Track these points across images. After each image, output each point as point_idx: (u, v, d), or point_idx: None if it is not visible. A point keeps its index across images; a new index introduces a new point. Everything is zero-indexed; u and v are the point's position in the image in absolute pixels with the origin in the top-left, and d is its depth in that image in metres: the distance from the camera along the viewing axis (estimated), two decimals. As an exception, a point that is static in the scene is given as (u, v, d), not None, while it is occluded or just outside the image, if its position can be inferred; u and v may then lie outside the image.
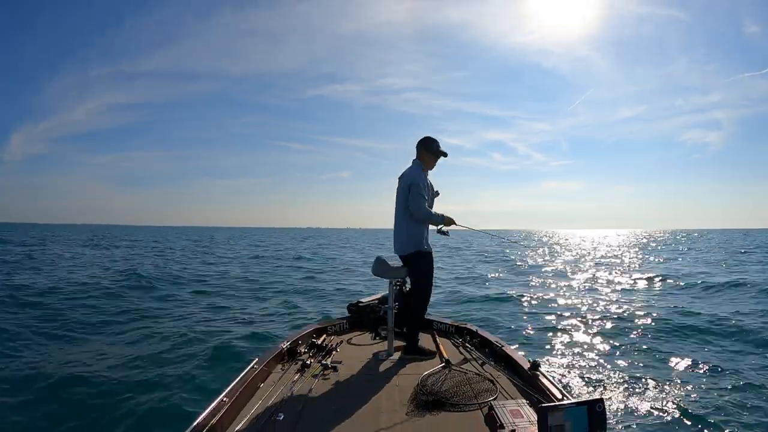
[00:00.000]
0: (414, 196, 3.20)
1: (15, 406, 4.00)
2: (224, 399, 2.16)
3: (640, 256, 25.57)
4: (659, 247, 36.63)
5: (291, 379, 2.67)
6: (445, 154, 3.40)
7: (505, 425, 2.02)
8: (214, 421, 1.98)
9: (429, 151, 3.35)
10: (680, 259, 23.10)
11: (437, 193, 3.49)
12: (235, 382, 2.38)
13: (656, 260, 22.69)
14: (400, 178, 3.38)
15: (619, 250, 33.21)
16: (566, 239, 56.62)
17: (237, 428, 2.07)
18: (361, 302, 4.19)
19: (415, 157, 3.40)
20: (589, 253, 28.65)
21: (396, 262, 3.35)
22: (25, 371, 4.84)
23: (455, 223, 3.35)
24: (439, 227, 3.35)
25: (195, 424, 1.91)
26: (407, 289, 3.54)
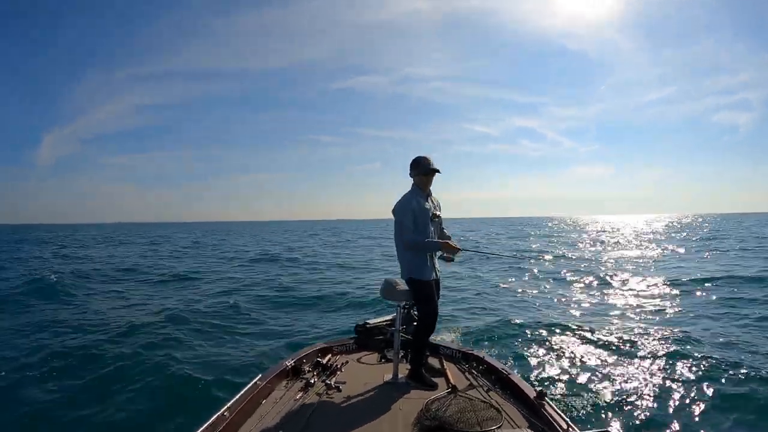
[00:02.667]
0: (396, 226, 3.21)
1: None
2: (224, 413, 2.17)
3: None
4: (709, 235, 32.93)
5: (293, 397, 2.66)
6: (437, 171, 3.25)
7: (508, 454, 1.98)
8: None
9: (420, 172, 3.23)
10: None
11: (437, 216, 3.33)
12: (237, 398, 2.38)
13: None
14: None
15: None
16: (613, 229, 50.80)
17: None
18: (369, 323, 4.17)
19: (413, 183, 3.30)
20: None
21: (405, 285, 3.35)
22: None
23: (453, 247, 3.17)
24: (441, 254, 3.29)
25: None
26: (415, 313, 3.52)
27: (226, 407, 2.23)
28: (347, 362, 3.52)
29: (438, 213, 3.37)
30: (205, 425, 2.02)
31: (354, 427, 2.35)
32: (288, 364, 3.08)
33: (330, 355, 3.61)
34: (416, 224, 3.17)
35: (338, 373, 3.19)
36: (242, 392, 2.46)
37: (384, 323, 4.19)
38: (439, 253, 3.32)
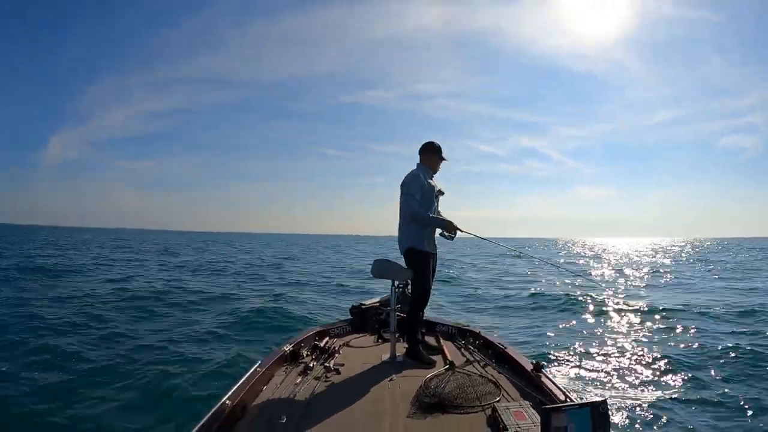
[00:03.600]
0: (403, 195, 3.33)
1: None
2: (227, 402, 2.17)
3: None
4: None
5: (293, 382, 2.67)
6: (444, 159, 3.51)
7: (508, 427, 2.01)
8: (217, 424, 1.98)
9: (435, 153, 3.47)
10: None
11: (441, 193, 3.51)
12: (237, 385, 2.38)
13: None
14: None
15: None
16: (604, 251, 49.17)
17: (240, 431, 2.07)
18: (364, 304, 4.19)
19: (418, 161, 3.49)
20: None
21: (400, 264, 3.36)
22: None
23: (459, 229, 3.31)
24: (441, 231, 3.37)
25: (198, 426, 1.92)
26: (410, 291, 3.53)
27: (227, 396, 2.23)
28: (344, 344, 3.54)
29: (443, 191, 3.54)
30: (209, 414, 2.02)
31: (354, 407, 2.37)
32: (286, 349, 3.08)
33: (327, 338, 3.62)
34: (422, 199, 3.32)
35: (336, 355, 3.21)
36: (242, 380, 2.46)
37: (378, 304, 4.21)
38: (439, 231, 3.39)
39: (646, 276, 18.31)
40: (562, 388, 2.44)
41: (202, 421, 1.95)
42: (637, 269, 21.59)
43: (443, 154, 3.49)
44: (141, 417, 4.01)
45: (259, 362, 2.79)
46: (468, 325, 3.90)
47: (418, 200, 3.28)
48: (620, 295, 11.65)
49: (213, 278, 15.37)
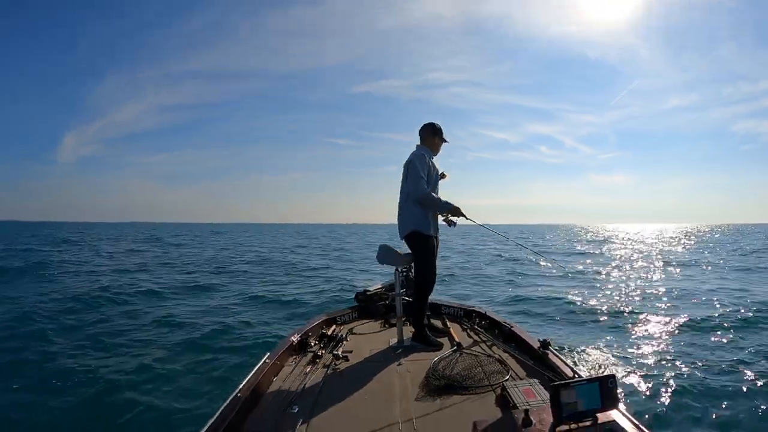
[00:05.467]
0: (411, 176, 3.18)
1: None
2: (239, 395, 2.19)
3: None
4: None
5: (303, 371, 2.69)
6: (446, 140, 3.43)
7: (518, 405, 2.03)
8: (231, 416, 2.00)
9: (437, 135, 3.37)
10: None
11: (443, 175, 3.44)
12: (249, 378, 2.40)
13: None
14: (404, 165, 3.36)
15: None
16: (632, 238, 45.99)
17: (254, 422, 2.09)
18: (369, 291, 4.20)
19: (418, 143, 3.40)
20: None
21: (403, 250, 3.35)
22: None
23: (462, 215, 3.23)
24: (446, 216, 3.30)
25: (213, 419, 1.94)
26: (413, 275, 3.54)
27: (239, 389, 2.25)
28: (351, 331, 3.56)
29: (445, 174, 3.46)
30: (222, 407, 2.04)
31: (364, 393, 2.39)
32: (294, 339, 3.10)
33: (334, 326, 3.65)
34: (428, 181, 3.21)
35: (344, 342, 3.23)
36: (253, 372, 2.48)
37: (383, 289, 4.23)
38: (442, 217, 3.33)
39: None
40: (570, 365, 2.46)
41: (216, 416, 1.97)
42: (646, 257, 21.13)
43: (444, 136, 3.40)
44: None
45: (269, 353, 2.81)
46: (473, 306, 3.92)
47: (426, 180, 3.17)
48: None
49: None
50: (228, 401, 2.11)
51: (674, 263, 17.14)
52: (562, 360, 2.53)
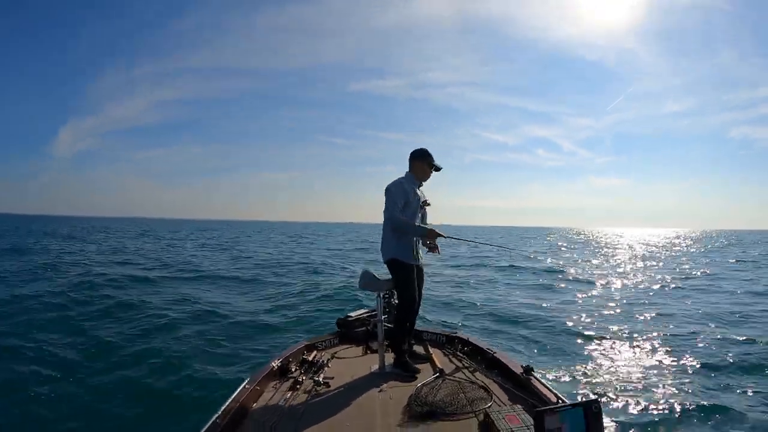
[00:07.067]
0: (386, 202, 3.20)
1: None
2: (217, 421, 2.10)
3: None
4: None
5: (283, 397, 2.62)
6: (438, 169, 3.37)
7: (501, 431, 2.02)
8: None
9: (425, 160, 3.32)
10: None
11: (426, 203, 3.43)
12: (227, 403, 2.31)
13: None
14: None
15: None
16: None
17: None
18: (350, 316, 4.15)
19: (407, 170, 3.36)
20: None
21: (386, 275, 3.34)
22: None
23: (439, 235, 3.18)
24: (426, 242, 3.29)
25: None
26: (395, 301, 3.52)
27: (217, 414, 2.16)
28: (333, 357, 3.48)
29: (428, 202, 3.44)
30: None
31: (346, 420, 2.33)
32: (274, 365, 3.02)
33: (315, 352, 3.57)
34: (406, 208, 3.22)
35: (325, 368, 3.16)
36: (232, 398, 2.39)
37: (365, 315, 4.18)
38: (424, 248, 3.33)
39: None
40: (553, 390, 2.46)
41: None
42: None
43: (435, 162, 3.33)
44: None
45: (248, 379, 2.72)
46: (456, 332, 3.91)
47: (401, 208, 3.17)
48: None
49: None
50: (206, 427, 2.03)
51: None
52: (545, 385, 2.54)
